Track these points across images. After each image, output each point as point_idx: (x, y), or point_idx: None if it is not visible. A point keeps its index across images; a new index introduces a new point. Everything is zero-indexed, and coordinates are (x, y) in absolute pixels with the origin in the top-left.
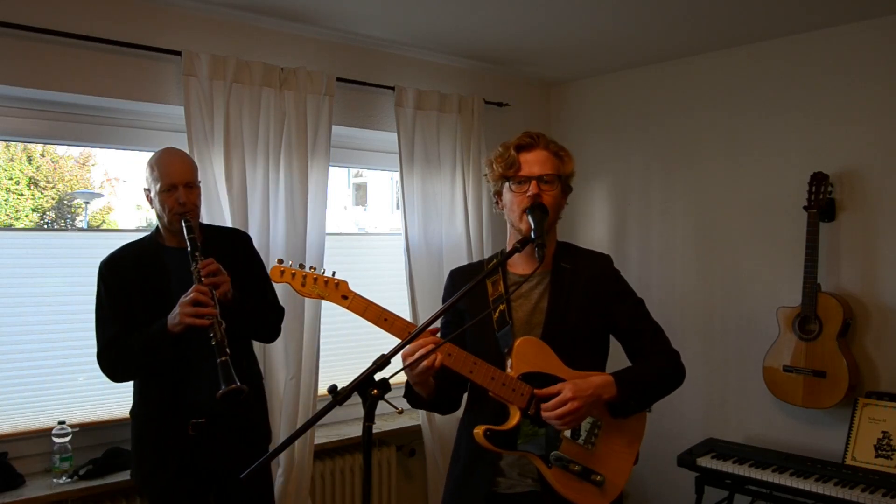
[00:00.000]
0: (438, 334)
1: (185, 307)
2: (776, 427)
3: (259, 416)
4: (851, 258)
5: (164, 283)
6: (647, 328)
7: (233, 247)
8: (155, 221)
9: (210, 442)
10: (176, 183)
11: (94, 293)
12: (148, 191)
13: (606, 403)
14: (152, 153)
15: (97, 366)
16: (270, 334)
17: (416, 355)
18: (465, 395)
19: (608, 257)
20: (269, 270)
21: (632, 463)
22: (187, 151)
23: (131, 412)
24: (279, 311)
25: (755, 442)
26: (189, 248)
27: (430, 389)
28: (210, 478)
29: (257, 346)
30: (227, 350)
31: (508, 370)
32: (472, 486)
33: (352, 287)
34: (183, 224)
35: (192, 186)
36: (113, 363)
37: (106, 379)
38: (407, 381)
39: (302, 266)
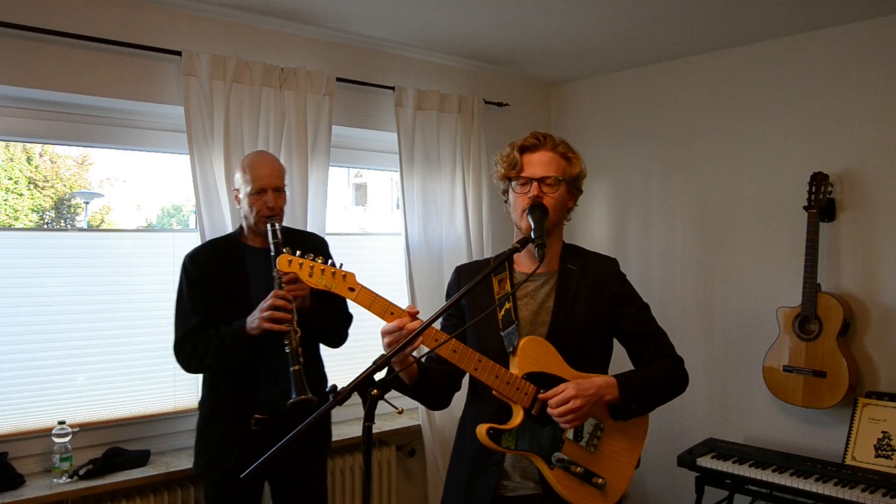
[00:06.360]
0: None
1: (265, 311)
2: (776, 427)
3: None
4: (851, 258)
5: (243, 281)
6: (652, 333)
7: (313, 252)
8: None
9: (271, 438)
10: (266, 187)
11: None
12: (237, 191)
13: (608, 406)
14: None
15: (97, 366)
16: (339, 340)
17: (399, 332)
18: (456, 395)
19: (615, 260)
20: (278, 261)
21: (633, 466)
22: (187, 151)
23: (199, 403)
24: (348, 318)
25: (755, 442)
26: (273, 253)
27: (413, 374)
28: (267, 473)
29: None
30: (301, 359)
31: (512, 369)
32: (478, 488)
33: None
34: (269, 228)
35: (281, 191)
36: (188, 356)
37: (106, 379)
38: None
39: (310, 257)
